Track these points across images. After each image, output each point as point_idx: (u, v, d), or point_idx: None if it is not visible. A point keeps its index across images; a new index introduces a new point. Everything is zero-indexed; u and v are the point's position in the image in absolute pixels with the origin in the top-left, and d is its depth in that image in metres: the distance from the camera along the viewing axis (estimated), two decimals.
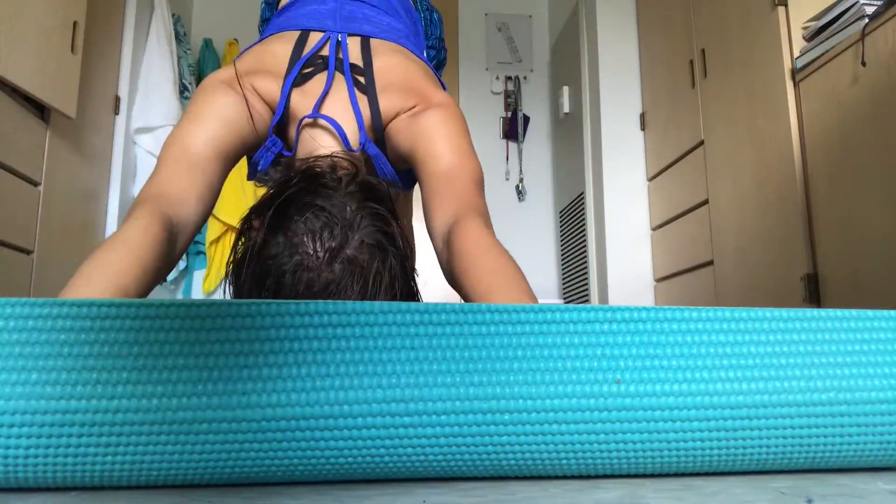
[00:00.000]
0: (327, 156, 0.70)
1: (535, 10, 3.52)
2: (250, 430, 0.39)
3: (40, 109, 1.84)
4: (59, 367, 0.38)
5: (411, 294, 0.66)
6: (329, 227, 0.61)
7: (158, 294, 2.73)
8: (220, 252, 2.90)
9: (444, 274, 0.76)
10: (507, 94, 3.40)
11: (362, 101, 0.84)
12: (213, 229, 2.87)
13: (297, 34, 0.89)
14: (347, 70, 0.85)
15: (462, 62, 3.39)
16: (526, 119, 3.34)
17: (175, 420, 0.38)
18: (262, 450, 0.39)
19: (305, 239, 0.61)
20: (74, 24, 1.89)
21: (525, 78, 3.42)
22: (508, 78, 3.41)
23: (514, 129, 3.31)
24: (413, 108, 0.84)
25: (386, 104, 0.84)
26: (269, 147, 0.84)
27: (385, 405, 0.39)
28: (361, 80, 0.85)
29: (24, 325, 0.39)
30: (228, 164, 0.80)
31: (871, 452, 0.44)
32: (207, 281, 2.88)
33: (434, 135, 0.81)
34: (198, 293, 2.92)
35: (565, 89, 2.99)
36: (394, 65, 0.88)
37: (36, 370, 0.38)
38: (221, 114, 0.79)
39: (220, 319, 0.40)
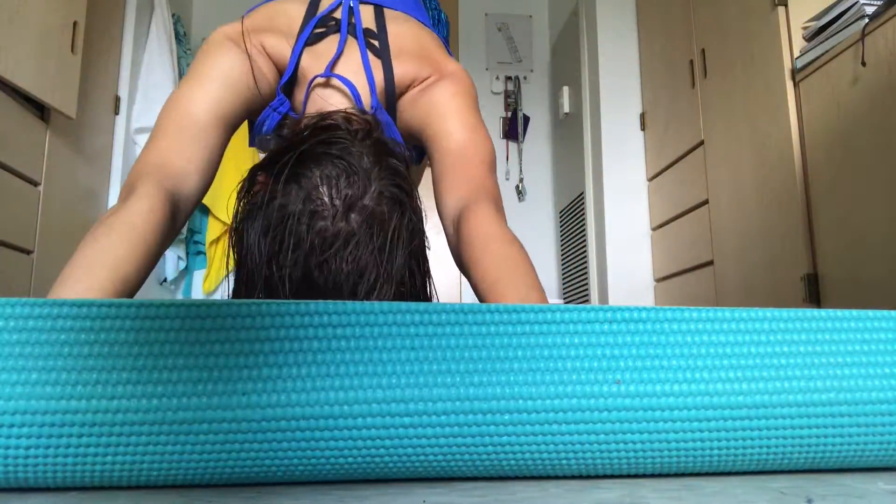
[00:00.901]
0: (339, 111, 0.67)
1: (535, 10, 3.52)
2: (250, 431, 0.39)
3: (40, 109, 1.84)
4: (59, 367, 0.38)
5: (424, 262, 0.63)
6: (346, 174, 0.59)
7: (158, 294, 2.73)
8: (220, 252, 2.89)
9: (453, 256, 0.75)
10: (507, 94, 3.40)
11: (375, 65, 0.82)
12: (213, 229, 2.87)
13: None
14: (360, 34, 0.83)
15: (462, 62, 3.38)
16: (526, 119, 3.34)
17: (175, 420, 0.38)
18: (262, 450, 0.39)
19: (320, 186, 0.58)
20: (74, 24, 1.89)
21: (525, 78, 3.42)
22: (508, 78, 3.41)
23: (514, 129, 3.31)
24: (427, 78, 0.83)
25: (400, 71, 0.82)
26: (275, 107, 0.82)
27: (385, 405, 0.39)
28: (375, 43, 0.84)
29: (24, 325, 0.39)
30: (230, 130, 0.78)
31: (871, 452, 0.44)
32: (207, 281, 2.88)
33: (447, 111, 0.80)
34: (198, 293, 2.91)
35: (565, 89, 2.99)
36: (407, 31, 0.87)
37: (36, 370, 0.38)
38: (226, 75, 0.76)
39: (220, 319, 0.40)
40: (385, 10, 0.89)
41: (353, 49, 0.83)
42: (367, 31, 0.85)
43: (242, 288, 0.60)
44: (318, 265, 0.56)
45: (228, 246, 0.63)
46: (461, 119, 0.80)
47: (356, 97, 0.79)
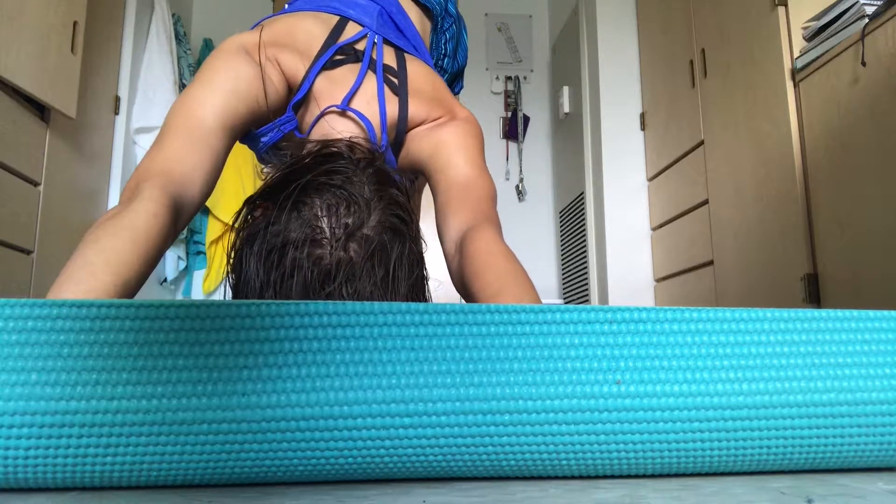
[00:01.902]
0: (343, 139, 0.68)
1: (535, 9, 3.52)
2: (250, 431, 0.39)
3: (40, 109, 1.84)
4: (59, 368, 0.38)
5: (425, 293, 0.64)
6: (346, 203, 0.59)
7: (158, 294, 2.73)
8: (220, 252, 2.89)
9: (452, 278, 0.76)
10: (507, 94, 3.40)
11: (391, 101, 0.84)
12: (213, 229, 2.87)
13: (336, 19, 0.88)
14: (380, 69, 0.85)
15: None
16: (526, 119, 3.34)
17: (175, 420, 0.38)
18: (262, 450, 0.39)
19: (319, 213, 0.58)
20: (74, 24, 1.89)
21: (525, 78, 3.42)
22: (508, 78, 3.41)
23: (514, 129, 3.31)
24: (438, 118, 0.86)
25: (414, 110, 0.84)
26: (280, 123, 0.82)
27: (385, 405, 0.39)
28: (394, 80, 0.85)
29: (24, 325, 0.39)
30: (234, 138, 0.78)
31: (871, 452, 0.44)
32: (207, 281, 2.88)
33: (457, 147, 0.83)
34: (198, 293, 2.91)
35: (565, 89, 2.99)
36: (423, 75, 0.89)
37: (36, 370, 0.38)
38: (236, 84, 0.76)
39: (220, 319, 0.40)
40: (405, 53, 0.92)
41: (370, 83, 0.84)
42: (386, 68, 0.86)
43: None
44: (318, 297, 0.56)
45: (226, 271, 0.63)
46: (470, 156, 0.82)
47: (371, 132, 0.81)
